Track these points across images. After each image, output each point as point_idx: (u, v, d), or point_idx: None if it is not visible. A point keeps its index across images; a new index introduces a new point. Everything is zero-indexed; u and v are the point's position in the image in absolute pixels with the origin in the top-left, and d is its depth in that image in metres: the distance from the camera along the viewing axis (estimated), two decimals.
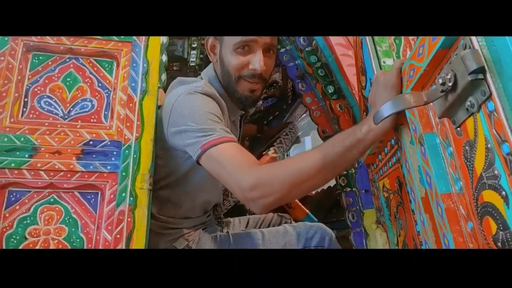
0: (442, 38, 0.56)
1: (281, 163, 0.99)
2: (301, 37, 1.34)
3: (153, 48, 1.12)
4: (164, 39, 1.16)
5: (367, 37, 1.00)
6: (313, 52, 1.32)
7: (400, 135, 0.74)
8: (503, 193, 0.48)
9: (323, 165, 0.77)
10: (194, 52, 2.06)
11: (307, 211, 1.70)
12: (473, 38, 0.51)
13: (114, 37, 1.08)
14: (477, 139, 0.53)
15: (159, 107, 1.10)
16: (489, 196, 0.52)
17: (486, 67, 0.48)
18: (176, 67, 2.03)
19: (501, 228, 0.49)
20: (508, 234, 0.48)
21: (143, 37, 1.11)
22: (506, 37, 0.47)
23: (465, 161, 0.56)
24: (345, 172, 1.35)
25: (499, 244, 0.50)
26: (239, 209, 1.70)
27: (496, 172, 0.50)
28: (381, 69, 0.95)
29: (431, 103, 0.62)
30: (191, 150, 0.94)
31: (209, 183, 1.13)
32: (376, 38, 0.97)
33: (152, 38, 1.12)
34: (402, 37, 1.11)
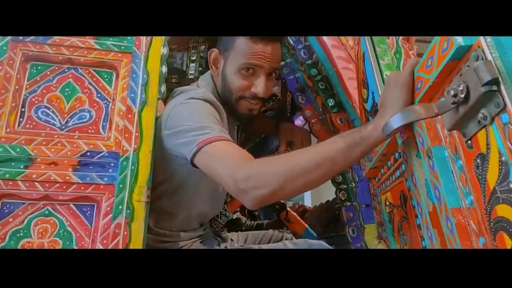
0: (452, 49, 0.55)
1: (278, 156, 0.99)
2: (302, 50, 1.32)
3: (153, 59, 1.10)
4: (164, 50, 1.14)
5: (369, 50, 0.98)
6: (313, 65, 1.31)
7: (407, 148, 0.72)
8: None
9: (322, 161, 0.73)
10: (193, 65, 2.04)
11: (306, 225, 1.66)
12: (486, 49, 0.49)
13: (114, 47, 1.06)
14: (489, 152, 0.50)
15: (158, 119, 1.07)
16: (503, 210, 0.49)
17: (500, 78, 0.47)
18: (175, 79, 2.01)
19: None
20: None
21: (143, 47, 1.09)
22: None
23: (477, 174, 0.53)
24: (344, 186, 1.32)
25: None
26: (235, 224, 1.66)
27: (511, 185, 0.47)
28: (383, 82, 0.94)
29: (440, 116, 0.61)
30: (187, 149, 0.90)
31: (205, 191, 1.11)
32: (378, 51, 0.95)
33: (152, 49, 1.10)
34: (403, 51, 1.10)
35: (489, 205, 0.52)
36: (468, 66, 0.52)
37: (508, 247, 0.49)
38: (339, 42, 1.24)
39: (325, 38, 1.23)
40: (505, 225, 0.49)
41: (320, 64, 1.26)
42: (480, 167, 0.53)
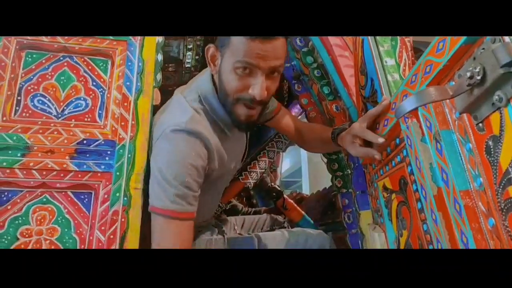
0: None
1: None
2: (298, 38, 1.28)
3: (149, 47, 1.05)
4: (159, 38, 1.09)
5: (369, 37, 0.94)
6: (309, 53, 1.26)
7: (411, 133, 0.68)
8: None
9: None
10: (190, 53, 1.98)
11: (302, 212, 1.63)
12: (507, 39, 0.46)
13: (109, 36, 1.01)
14: (503, 134, 0.47)
15: (154, 107, 1.02)
16: None
17: None
18: (172, 68, 1.95)
19: None
20: None
21: (138, 36, 1.04)
22: None
23: (487, 156, 0.50)
24: (340, 173, 1.28)
25: None
26: (232, 211, 1.63)
27: None
28: (383, 69, 0.90)
29: (449, 100, 0.57)
30: (151, 196, 0.91)
31: (212, 195, 1.07)
32: (378, 37, 0.91)
33: (147, 37, 1.05)
34: (398, 38, 1.06)
35: (501, 186, 0.49)
36: (483, 49, 0.49)
37: None
38: None
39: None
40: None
41: (316, 52, 1.22)
42: (492, 149, 0.50)
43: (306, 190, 7.25)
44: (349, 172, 1.23)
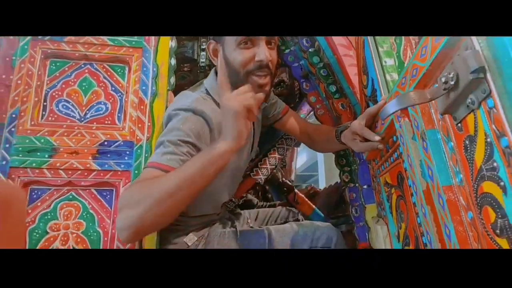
0: (444, 39, 0.55)
1: (148, 182, 0.80)
2: (304, 39, 1.31)
3: (162, 52, 1.10)
4: (172, 43, 1.14)
5: (369, 38, 0.97)
6: (315, 53, 1.29)
7: (403, 131, 0.71)
8: (502, 183, 0.47)
9: (183, 183, 0.73)
10: (204, 53, 2.03)
11: (313, 206, 1.67)
12: (474, 39, 0.49)
13: (126, 43, 1.07)
14: (477, 134, 0.50)
15: None
16: (488, 187, 0.50)
17: (486, 67, 0.47)
18: (187, 68, 2.01)
19: (500, 216, 0.48)
20: (506, 222, 0.46)
21: (153, 42, 1.10)
22: (505, 38, 0.45)
23: (465, 154, 0.53)
24: (348, 169, 1.32)
25: (498, 231, 0.48)
26: (247, 205, 1.68)
27: (495, 164, 0.48)
28: (382, 69, 0.93)
29: (433, 101, 0.60)
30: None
31: (225, 178, 1.09)
32: (377, 39, 0.94)
33: (161, 43, 1.10)
34: (403, 37, 1.08)
35: (476, 182, 0.52)
36: (458, 55, 0.52)
37: (492, 220, 0.49)
38: None
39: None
40: (489, 199, 0.49)
41: (322, 52, 1.25)
42: (468, 148, 0.53)
43: (322, 183, 7.25)
44: (356, 167, 1.26)
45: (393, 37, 1.10)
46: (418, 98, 0.57)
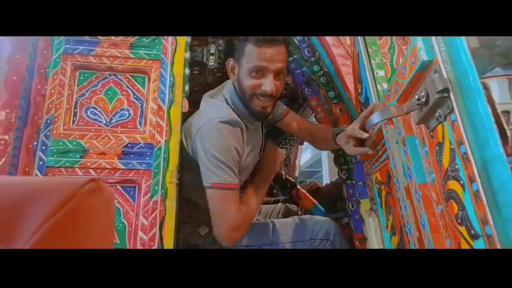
0: (418, 63, 0.65)
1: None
2: (306, 49, 1.42)
3: (178, 64, 1.22)
4: (186, 55, 1.26)
5: (362, 51, 1.08)
6: (316, 62, 1.40)
7: (389, 136, 0.83)
8: (461, 182, 0.58)
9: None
10: (212, 57, 2.15)
11: (314, 201, 1.78)
12: (441, 64, 0.60)
13: (146, 56, 1.19)
14: (444, 141, 0.62)
15: (183, 114, 1.20)
16: (452, 184, 0.61)
17: (450, 88, 0.58)
18: (196, 71, 2.12)
19: (460, 208, 0.58)
20: (465, 213, 0.57)
21: (170, 54, 1.21)
22: (466, 64, 0.56)
23: (436, 158, 0.65)
24: (345, 167, 1.42)
25: (459, 220, 0.59)
26: None
27: (456, 166, 0.59)
28: (374, 80, 1.03)
29: (411, 113, 0.72)
30: (204, 177, 1.11)
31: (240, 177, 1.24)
32: (370, 52, 1.05)
33: (177, 55, 1.22)
34: (396, 46, 1.19)
35: (444, 181, 0.63)
36: (429, 76, 0.63)
37: (455, 211, 0.60)
38: (338, 41, 1.33)
39: (326, 37, 1.32)
40: (453, 195, 0.61)
41: (321, 61, 1.36)
42: (438, 152, 0.65)
43: (326, 179, 7.36)
44: (352, 166, 1.37)
45: (386, 48, 1.21)
46: (397, 111, 0.69)
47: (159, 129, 1.14)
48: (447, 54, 0.60)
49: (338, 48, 1.32)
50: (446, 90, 0.59)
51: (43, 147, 1.06)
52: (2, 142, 1.03)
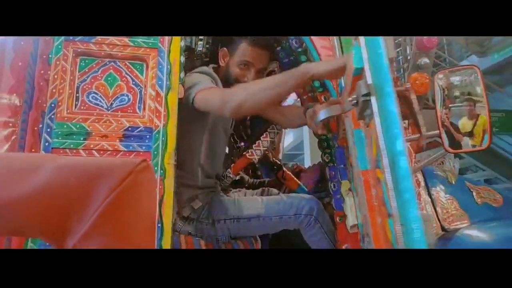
0: (354, 68, 0.77)
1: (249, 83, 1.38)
2: (294, 40, 1.50)
3: (174, 52, 1.29)
4: (182, 43, 1.33)
5: (336, 47, 1.19)
6: (303, 53, 1.49)
7: (346, 127, 0.97)
8: (382, 170, 0.70)
9: (273, 86, 1.16)
10: (201, 42, 2.21)
11: (299, 182, 1.90)
12: (367, 72, 0.73)
13: (144, 44, 1.25)
14: (373, 136, 0.74)
15: (179, 100, 1.28)
16: (378, 172, 0.74)
17: (371, 92, 0.71)
18: (184, 55, 2.21)
19: (382, 192, 0.71)
20: (384, 196, 0.69)
21: (166, 43, 1.28)
22: (386, 72, 0.68)
23: (371, 148, 0.78)
24: (328, 151, 1.54)
25: (382, 202, 0.72)
26: (239, 182, 1.90)
27: (379, 157, 0.72)
28: None
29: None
30: (189, 97, 1.28)
31: (203, 149, 1.46)
32: (343, 46, 1.16)
33: (173, 44, 1.29)
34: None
35: (374, 169, 0.76)
36: (358, 82, 0.76)
37: (380, 194, 0.73)
38: None
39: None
40: (379, 181, 0.73)
41: (308, 52, 1.45)
42: (371, 144, 0.77)
43: (307, 162, 7.58)
44: (334, 150, 1.49)
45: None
46: (335, 110, 0.83)
47: (157, 114, 1.22)
48: (370, 63, 0.72)
49: (322, 40, 1.41)
50: (369, 94, 0.71)
51: (48, 129, 1.13)
52: (10, 124, 1.09)
